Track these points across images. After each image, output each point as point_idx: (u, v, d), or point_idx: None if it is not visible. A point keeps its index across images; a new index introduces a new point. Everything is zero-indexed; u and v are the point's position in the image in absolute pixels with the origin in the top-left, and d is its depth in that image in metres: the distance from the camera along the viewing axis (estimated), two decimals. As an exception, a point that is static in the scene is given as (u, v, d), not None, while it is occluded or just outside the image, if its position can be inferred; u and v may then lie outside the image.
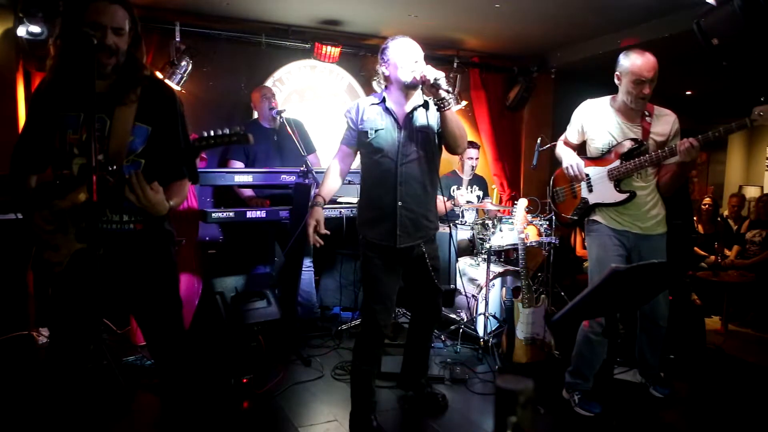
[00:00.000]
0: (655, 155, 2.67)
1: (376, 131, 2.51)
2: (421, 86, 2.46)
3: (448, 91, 2.35)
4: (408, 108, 2.53)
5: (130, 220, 1.86)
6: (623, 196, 2.77)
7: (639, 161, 2.71)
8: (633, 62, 2.63)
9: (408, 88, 2.50)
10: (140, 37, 1.87)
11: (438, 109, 2.42)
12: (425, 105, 2.54)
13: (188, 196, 3.37)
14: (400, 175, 2.50)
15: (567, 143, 3.00)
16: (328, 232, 2.62)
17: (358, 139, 2.58)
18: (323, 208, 2.65)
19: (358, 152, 2.66)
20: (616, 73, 2.73)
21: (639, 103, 2.69)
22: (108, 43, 1.73)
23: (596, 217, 2.88)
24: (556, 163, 2.99)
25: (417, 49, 2.49)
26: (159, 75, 3.35)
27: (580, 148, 2.99)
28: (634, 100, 2.68)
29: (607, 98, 2.86)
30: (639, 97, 2.66)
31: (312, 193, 3.44)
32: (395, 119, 2.52)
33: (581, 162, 2.84)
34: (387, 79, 2.55)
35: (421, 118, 2.53)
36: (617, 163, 2.77)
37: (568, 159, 2.87)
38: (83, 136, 1.76)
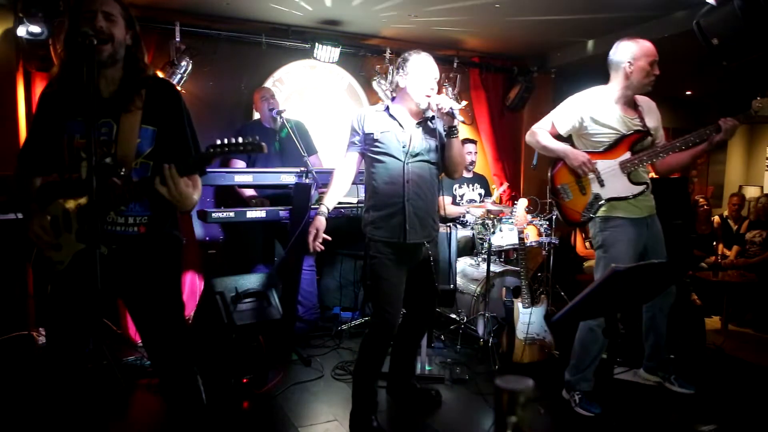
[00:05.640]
0: (679, 143, 2.69)
1: (381, 132, 2.56)
2: (434, 112, 2.54)
3: (462, 122, 2.50)
4: (413, 120, 2.61)
5: (135, 223, 1.86)
6: (639, 189, 2.76)
7: (655, 150, 2.72)
8: (643, 45, 2.70)
9: (417, 107, 2.58)
10: (139, 37, 1.89)
11: (446, 136, 2.56)
12: (431, 119, 2.63)
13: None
14: (407, 173, 2.55)
15: (553, 134, 2.89)
16: (329, 238, 2.63)
17: (365, 142, 2.61)
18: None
19: (363, 158, 2.69)
20: (628, 61, 2.71)
21: (650, 85, 2.74)
22: (98, 25, 1.74)
23: (615, 213, 2.79)
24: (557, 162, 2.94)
25: (436, 71, 2.58)
26: (160, 74, 3.37)
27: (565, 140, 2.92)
28: (650, 82, 2.72)
29: (603, 89, 2.82)
30: (652, 78, 2.71)
31: (311, 193, 3.44)
32: (399, 124, 2.58)
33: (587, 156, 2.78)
34: (399, 88, 2.62)
35: (425, 130, 2.62)
36: (628, 155, 2.74)
37: (577, 155, 2.78)
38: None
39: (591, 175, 2.79)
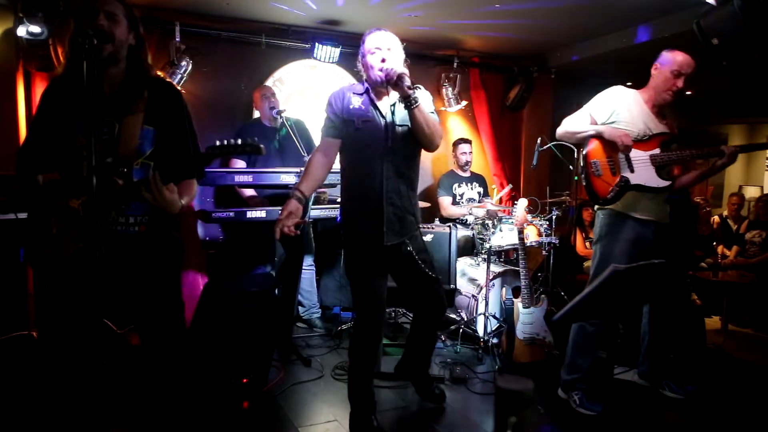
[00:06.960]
0: (704, 151, 2.78)
1: (363, 122, 2.44)
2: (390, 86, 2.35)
3: (410, 88, 2.26)
4: (390, 101, 2.48)
5: (135, 223, 1.87)
6: (666, 183, 2.79)
7: (684, 154, 2.77)
8: (676, 55, 2.79)
9: (382, 87, 2.44)
10: (143, 39, 1.90)
11: (405, 107, 2.33)
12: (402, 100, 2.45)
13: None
14: (386, 170, 2.42)
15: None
16: (301, 222, 2.42)
17: (344, 129, 2.48)
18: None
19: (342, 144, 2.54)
20: (655, 64, 2.83)
21: (669, 95, 2.80)
22: (100, 23, 1.75)
23: (623, 210, 2.83)
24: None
25: (383, 42, 2.40)
26: (160, 74, 3.37)
27: None
28: (670, 93, 2.79)
29: (633, 90, 2.92)
30: (672, 89, 2.77)
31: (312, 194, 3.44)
32: (380, 113, 2.46)
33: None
34: (363, 74, 2.52)
35: (401, 112, 2.44)
36: (658, 150, 2.80)
37: (615, 130, 2.78)
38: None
39: (622, 156, 2.81)
